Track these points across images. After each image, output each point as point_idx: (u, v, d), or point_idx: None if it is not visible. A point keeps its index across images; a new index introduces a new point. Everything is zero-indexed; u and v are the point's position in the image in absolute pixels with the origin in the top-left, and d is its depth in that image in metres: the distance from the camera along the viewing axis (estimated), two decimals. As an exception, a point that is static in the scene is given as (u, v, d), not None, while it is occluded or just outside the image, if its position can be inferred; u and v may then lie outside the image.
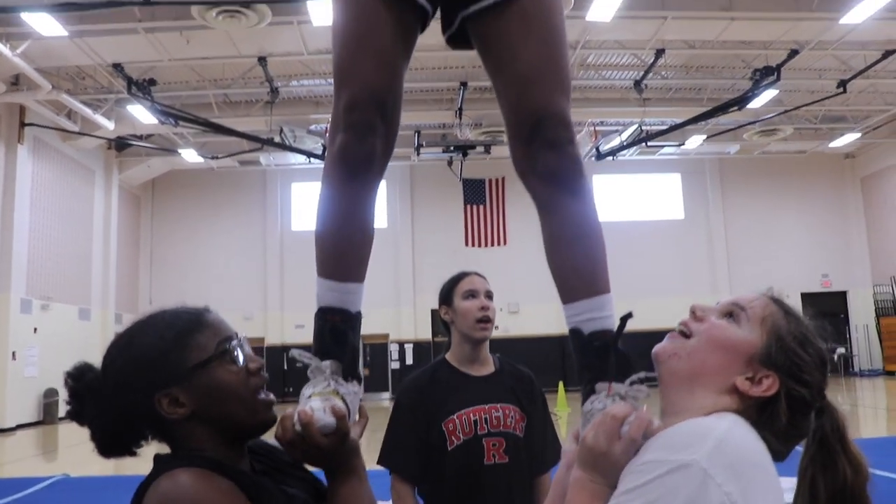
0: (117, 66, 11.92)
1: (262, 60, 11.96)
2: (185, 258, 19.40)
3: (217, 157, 15.85)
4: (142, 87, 11.82)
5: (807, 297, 18.24)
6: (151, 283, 19.35)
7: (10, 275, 12.94)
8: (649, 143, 14.40)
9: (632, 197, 20.41)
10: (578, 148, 1.41)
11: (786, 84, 14.11)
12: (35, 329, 13.74)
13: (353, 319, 1.36)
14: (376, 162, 1.38)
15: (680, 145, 16.65)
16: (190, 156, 16.35)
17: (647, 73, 13.53)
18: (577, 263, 1.34)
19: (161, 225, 19.70)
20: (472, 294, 2.39)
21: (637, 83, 13.90)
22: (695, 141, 16.93)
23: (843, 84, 13.86)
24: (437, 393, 2.31)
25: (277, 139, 13.36)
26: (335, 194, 1.37)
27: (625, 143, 14.17)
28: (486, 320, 2.36)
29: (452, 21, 1.47)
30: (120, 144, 15.34)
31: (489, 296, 2.43)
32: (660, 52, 12.70)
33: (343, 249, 1.37)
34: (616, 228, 19.23)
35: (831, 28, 11.68)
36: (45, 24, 9.96)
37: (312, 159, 14.38)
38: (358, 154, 1.35)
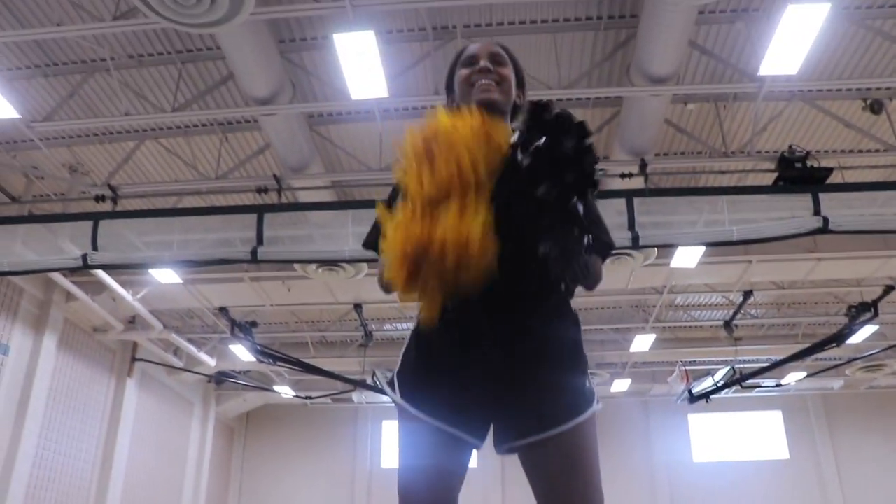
0: (223, 309, 12.77)
1: (357, 307, 12.64)
2: (274, 491, 19.34)
3: (311, 398, 16.34)
4: (244, 329, 12.52)
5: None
6: (239, 517, 19.27)
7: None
8: (744, 385, 13.99)
9: (730, 436, 19.53)
10: None
11: (886, 317, 13.72)
12: (122, 561, 13.71)
13: None
14: None
15: (778, 385, 16.11)
16: (285, 391, 16.90)
17: (735, 313, 13.49)
18: None
19: (252, 457, 19.91)
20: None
21: (727, 323, 13.83)
22: (794, 377, 16.39)
23: (947, 319, 13.41)
24: None
25: (370, 380, 13.74)
26: None
27: (718, 385, 13.83)
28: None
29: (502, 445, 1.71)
30: (219, 379, 16.02)
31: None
32: (748, 294, 12.72)
33: None
34: (715, 470, 18.31)
35: (926, 262, 11.48)
36: (164, 275, 10.95)
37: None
38: None
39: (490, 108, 1.88)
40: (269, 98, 7.66)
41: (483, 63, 1.96)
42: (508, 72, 1.98)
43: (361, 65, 7.02)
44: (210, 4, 5.94)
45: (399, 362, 1.81)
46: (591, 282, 1.77)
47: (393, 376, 1.77)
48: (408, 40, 7.81)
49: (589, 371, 1.74)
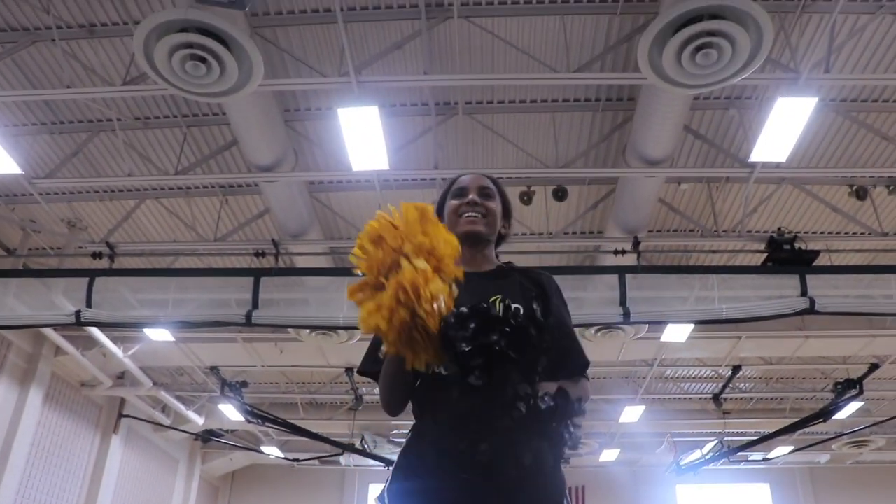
0: (213, 368, 12.74)
1: (348, 371, 12.65)
2: (258, 553, 19.02)
3: (299, 461, 16.20)
4: (234, 389, 12.48)
5: None
6: (220, 579, 18.87)
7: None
8: (732, 458, 13.98)
9: (718, 508, 19.43)
10: None
11: (871, 394, 13.81)
12: None
13: None
14: None
15: (766, 459, 16.09)
16: (272, 451, 16.74)
17: (724, 386, 13.55)
18: None
19: (236, 517, 19.63)
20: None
21: (716, 397, 13.88)
22: (781, 451, 16.38)
23: (932, 400, 13.51)
24: None
25: (358, 444, 13.67)
26: None
27: (706, 457, 13.83)
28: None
29: None
30: (205, 437, 15.86)
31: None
32: (737, 368, 12.81)
33: None
34: (704, 542, 18.14)
35: (909, 344, 11.63)
36: (156, 333, 10.94)
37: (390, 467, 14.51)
38: None
39: (474, 238, 2.05)
40: (271, 165, 7.81)
41: (471, 196, 2.11)
42: (495, 205, 2.13)
43: (364, 138, 7.19)
44: (219, 76, 6.12)
45: (389, 479, 1.88)
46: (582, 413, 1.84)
47: (384, 492, 1.85)
48: (410, 114, 8.03)
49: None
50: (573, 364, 1.96)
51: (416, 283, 1.55)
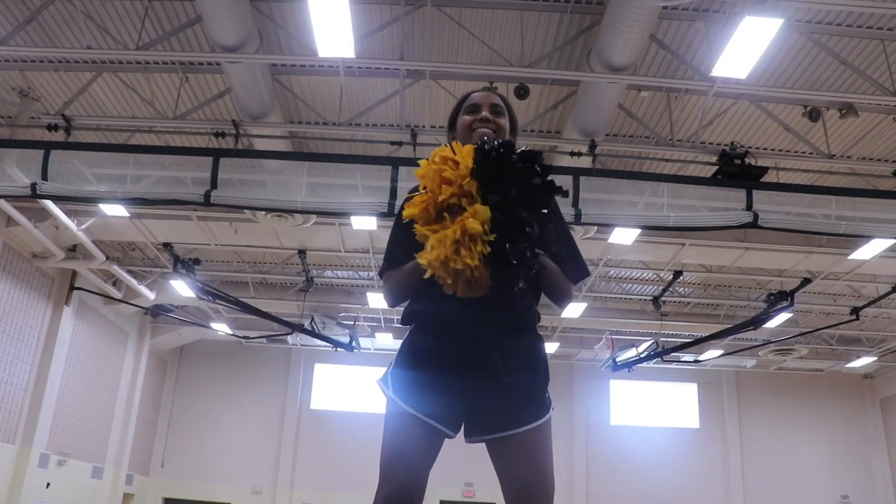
0: (167, 245, 12.78)
1: (301, 253, 12.82)
2: (203, 425, 19.59)
3: (248, 338, 16.50)
4: (187, 266, 12.56)
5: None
6: (166, 448, 19.44)
7: (34, 430, 13.22)
8: (665, 358, 14.72)
9: (647, 403, 20.54)
10: None
11: (801, 306, 14.57)
12: (48, 484, 13.81)
13: None
14: None
15: (696, 361, 16.96)
16: (221, 328, 17.02)
17: (664, 290, 14.13)
18: None
19: (183, 391, 20.06)
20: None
21: (655, 300, 14.47)
22: (711, 354, 17.28)
23: (856, 311, 14.27)
24: None
25: (307, 325, 13.98)
26: None
27: (641, 356, 14.53)
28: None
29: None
30: (155, 312, 16.02)
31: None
32: (678, 273, 13.34)
33: None
34: (630, 434, 19.29)
35: (841, 262, 12.21)
36: (111, 207, 10.85)
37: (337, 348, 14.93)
38: None
39: None
40: (235, 45, 7.68)
41: (484, 113, 2.28)
42: (505, 122, 2.32)
43: (331, 24, 7.11)
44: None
45: (393, 362, 2.15)
46: (551, 285, 2.07)
47: (387, 373, 2.09)
48: (379, 2, 7.91)
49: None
50: (569, 272, 2.19)
51: (476, 234, 1.72)
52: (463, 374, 2.00)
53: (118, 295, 14.80)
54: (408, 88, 8.82)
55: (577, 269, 2.22)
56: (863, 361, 18.67)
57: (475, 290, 1.78)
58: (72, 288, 14.04)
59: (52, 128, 9.04)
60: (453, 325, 2.02)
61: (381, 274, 2.21)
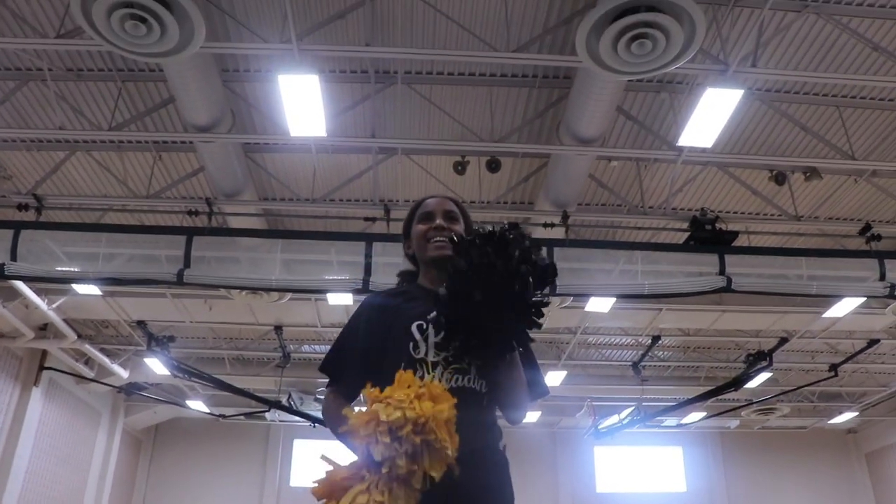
0: (141, 322, 12.61)
1: (278, 329, 12.70)
2: (179, 504, 19.03)
3: (225, 416, 16.21)
4: (161, 343, 12.40)
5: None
6: (141, 530, 18.85)
7: (-1, 516, 12.76)
8: (647, 423, 14.63)
9: (633, 468, 20.28)
10: None
11: (780, 365, 14.59)
12: (17, 572, 13.27)
13: None
14: None
15: (680, 424, 16.86)
16: (197, 406, 16.70)
17: (644, 355, 14.11)
18: None
19: (158, 470, 19.50)
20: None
21: (635, 365, 14.44)
22: (694, 416, 17.19)
23: (834, 368, 14.30)
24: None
25: (285, 401, 13.78)
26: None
27: (623, 423, 14.43)
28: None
29: None
30: (129, 390, 15.71)
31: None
32: (656, 338, 13.36)
33: None
34: (618, 501, 18.97)
35: (816, 320, 12.26)
36: (84, 287, 10.72)
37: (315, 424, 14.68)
38: None
39: (444, 262, 2.12)
40: (208, 125, 7.74)
41: (438, 221, 2.25)
42: (460, 228, 2.27)
43: (303, 105, 7.20)
44: (160, 37, 6.03)
45: None
46: (514, 388, 2.03)
47: None
48: (350, 81, 8.05)
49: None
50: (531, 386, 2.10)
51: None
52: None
53: (90, 374, 14.50)
54: (380, 164, 8.90)
55: (538, 385, 2.14)
56: (845, 417, 18.65)
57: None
58: (41, 368, 13.72)
59: (22, 207, 8.97)
60: None
61: (321, 370, 2.17)
